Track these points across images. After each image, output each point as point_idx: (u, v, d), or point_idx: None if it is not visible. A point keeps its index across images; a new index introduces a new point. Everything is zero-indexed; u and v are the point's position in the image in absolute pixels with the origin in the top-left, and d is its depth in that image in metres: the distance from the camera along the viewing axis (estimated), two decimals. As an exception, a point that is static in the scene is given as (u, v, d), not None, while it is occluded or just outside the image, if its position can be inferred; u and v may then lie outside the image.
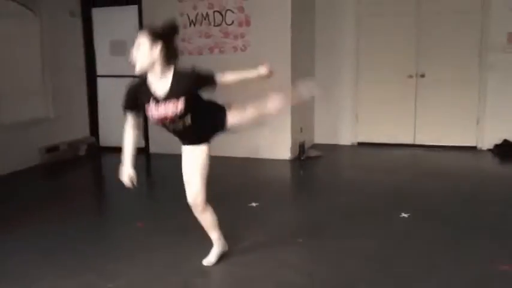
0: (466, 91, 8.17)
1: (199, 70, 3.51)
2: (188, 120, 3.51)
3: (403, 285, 3.62)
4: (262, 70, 3.68)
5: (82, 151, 8.52)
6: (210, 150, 3.76)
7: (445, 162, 7.63)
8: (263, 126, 7.74)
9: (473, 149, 8.23)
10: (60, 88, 8.23)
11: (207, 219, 3.95)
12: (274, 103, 3.76)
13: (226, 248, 4.15)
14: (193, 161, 3.72)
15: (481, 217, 5.07)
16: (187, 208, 5.42)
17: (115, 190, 6.75)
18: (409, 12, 8.30)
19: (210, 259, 4.01)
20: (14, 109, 7.49)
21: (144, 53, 3.37)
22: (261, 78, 3.70)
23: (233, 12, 7.71)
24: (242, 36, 7.68)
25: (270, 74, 3.71)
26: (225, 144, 6.17)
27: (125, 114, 3.62)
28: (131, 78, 9.64)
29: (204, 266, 3.99)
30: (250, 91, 7.39)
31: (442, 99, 8.28)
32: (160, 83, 3.45)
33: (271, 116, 3.92)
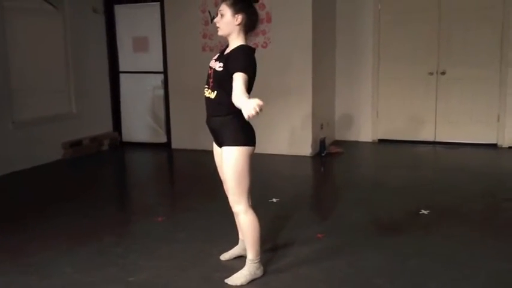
0: (486, 88, 8.11)
1: (237, 55, 3.41)
2: (215, 92, 3.47)
3: (420, 281, 3.63)
4: (252, 105, 2.88)
5: (105, 146, 8.62)
6: (243, 152, 3.46)
7: (466, 160, 7.58)
8: (284, 123, 7.78)
9: (493, 146, 8.17)
10: (83, 84, 8.29)
11: (241, 225, 3.73)
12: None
13: (260, 274, 3.71)
14: (224, 163, 3.56)
15: (500, 214, 5.06)
16: (207, 204, 5.49)
17: (136, 185, 6.84)
18: (430, 10, 8.24)
19: (234, 280, 3.63)
20: (37, 105, 7.57)
21: (227, 22, 3.47)
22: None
23: (254, 8, 7.71)
24: (264, 33, 7.65)
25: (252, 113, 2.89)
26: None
27: None
28: (153, 75, 9.64)
29: (223, 261, 4.00)
30: (272, 87, 7.42)
31: (462, 96, 8.24)
32: (228, 49, 3.55)
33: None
